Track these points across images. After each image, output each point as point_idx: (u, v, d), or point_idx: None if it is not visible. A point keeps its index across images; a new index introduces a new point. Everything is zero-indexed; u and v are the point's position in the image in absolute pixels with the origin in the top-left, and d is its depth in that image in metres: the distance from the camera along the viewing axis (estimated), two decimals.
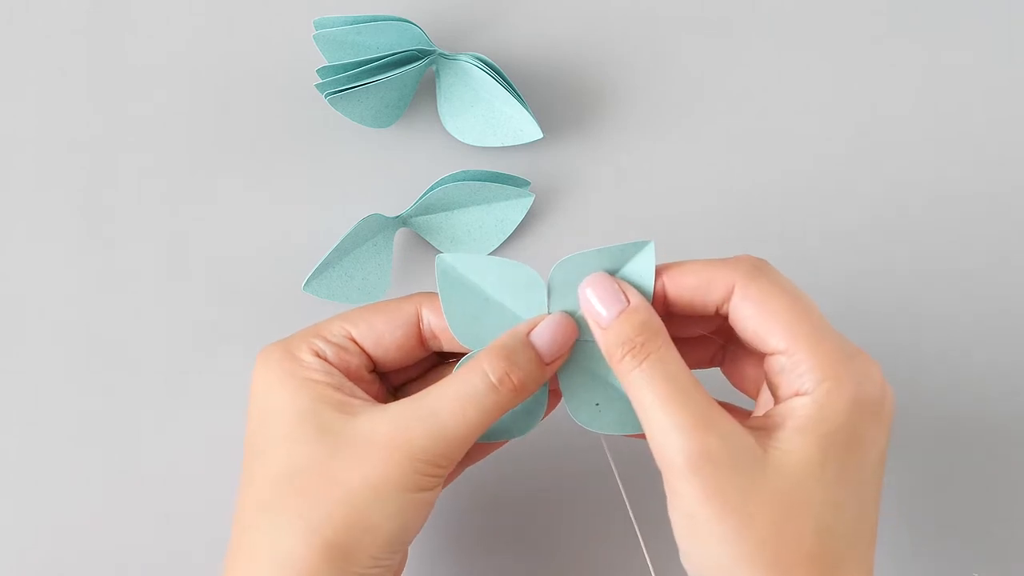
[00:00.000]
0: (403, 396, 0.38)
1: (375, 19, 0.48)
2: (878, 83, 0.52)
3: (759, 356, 0.36)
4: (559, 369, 0.36)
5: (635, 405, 0.34)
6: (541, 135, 0.49)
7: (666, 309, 0.36)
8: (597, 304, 0.35)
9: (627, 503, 0.38)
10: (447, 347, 0.38)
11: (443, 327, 0.36)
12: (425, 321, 0.37)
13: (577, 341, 0.36)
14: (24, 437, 0.47)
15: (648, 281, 0.35)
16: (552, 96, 0.51)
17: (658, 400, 0.33)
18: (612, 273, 0.35)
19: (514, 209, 0.49)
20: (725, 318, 0.36)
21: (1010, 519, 0.46)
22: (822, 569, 0.32)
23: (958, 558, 0.46)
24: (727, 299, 0.35)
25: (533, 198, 0.49)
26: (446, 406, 0.34)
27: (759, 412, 0.37)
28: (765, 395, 0.38)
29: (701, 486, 0.32)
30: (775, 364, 0.34)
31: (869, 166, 0.51)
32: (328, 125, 0.50)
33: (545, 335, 0.35)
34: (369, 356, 0.37)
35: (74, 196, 0.50)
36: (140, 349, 0.48)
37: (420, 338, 0.37)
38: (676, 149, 0.51)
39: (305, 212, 0.50)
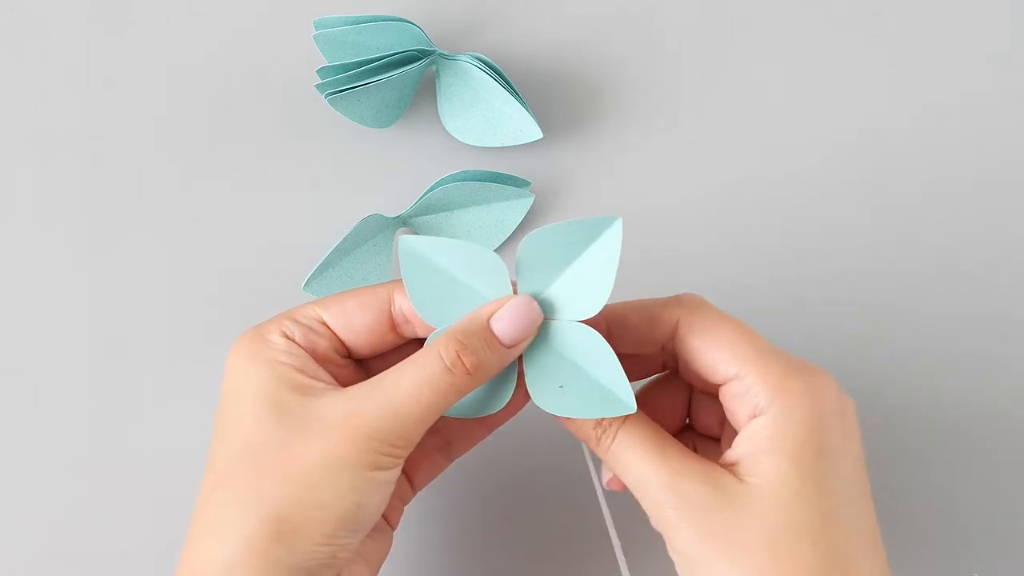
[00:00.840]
0: None
1: (375, 19, 0.48)
2: (878, 83, 0.52)
3: (718, 402, 0.37)
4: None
5: (623, 477, 0.35)
6: (541, 135, 0.49)
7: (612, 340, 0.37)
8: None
9: (602, 502, 0.38)
10: (421, 332, 0.38)
11: (414, 311, 0.36)
12: (396, 305, 0.37)
13: (545, 321, 0.36)
14: (24, 436, 0.47)
15: (613, 261, 0.34)
16: (552, 96, 0.51)
17: (635, 463, 0.34)
18: (578, 251, 0.35)
19: (514, 209, 0.49)
20: (672, 357, 0.37)
21: (1010, 519, 0.46)
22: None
23: (958, 558, 0.46)
24: (672, 335, 0.36)
25: (533, 198, 0.49)
26: (402, 387, 0.34)
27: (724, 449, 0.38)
28: (727, 435, 0.38)
29: (693, 531, 0.33)
30: (728, 391, 0.35)
31: (869, 166, 0.51)
32: (328, 125, 0.51)
33: (504, 319, 0.35)
34: (341, 340, 0.37)
35: (75, 197, 0.50)
36: (140, 349, 0.48)
37: (392, 323, 0.37)
38: (676, 149, 0.51)
39: (305, 212, 0.50)
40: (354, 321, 0.37)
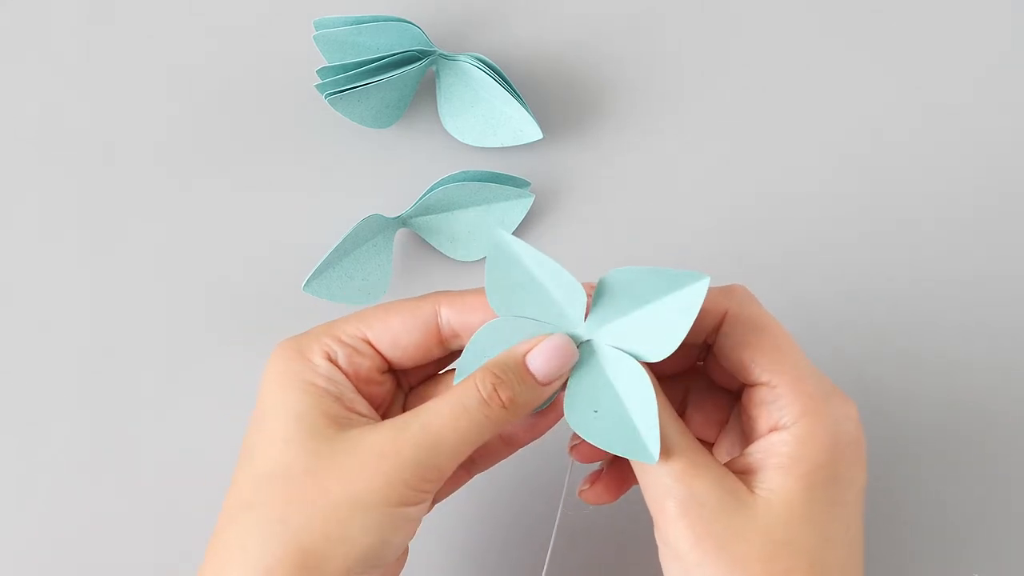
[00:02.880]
0: (417, 396, 0.38)
1: (375, 19, 0.48)
2: (879, 83, 0.52)
3: (721, 403, 0.37)
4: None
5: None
6: (541, 135, 0.49)
7: None
8: None
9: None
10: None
11: (463, 324, 0.36)
12: (444, 320, 0.37)
13: (596, 343, 0.35)
14: (24, 437, 0.47)
15: (689, 317, 0.34)
16: (552, 96, 0.51)
17: None
18: (657, 295, 0.34)
19: (514, 209, 0.49)
20: (704, 352, 0.37)
21: (1010, 519, 0.46)
22: None
23: (958, 558, 0.46)
24: (718, 327, 0.36)
25: (533, 198, 0.49)
26: (438, 418, 0.34)
27: (721, 455, 0.38)
28: (726, 439, 0.38)
29: (691, 529, 0.33)
30: (755, 396, 0.35)
31: (872, 169, 0.51)
32: (328, 125, 0.51)
33: (539, 358, 0.35)
34: (384, 357, 0.37)
35: (74, 197, 0.50)
36: (140, 349, 0.48)
37: (439, 337, 0.37)
38: (675, 149, 0.51)
39: (305, 212, 0.50)
40: (400, 339, 0.36)
